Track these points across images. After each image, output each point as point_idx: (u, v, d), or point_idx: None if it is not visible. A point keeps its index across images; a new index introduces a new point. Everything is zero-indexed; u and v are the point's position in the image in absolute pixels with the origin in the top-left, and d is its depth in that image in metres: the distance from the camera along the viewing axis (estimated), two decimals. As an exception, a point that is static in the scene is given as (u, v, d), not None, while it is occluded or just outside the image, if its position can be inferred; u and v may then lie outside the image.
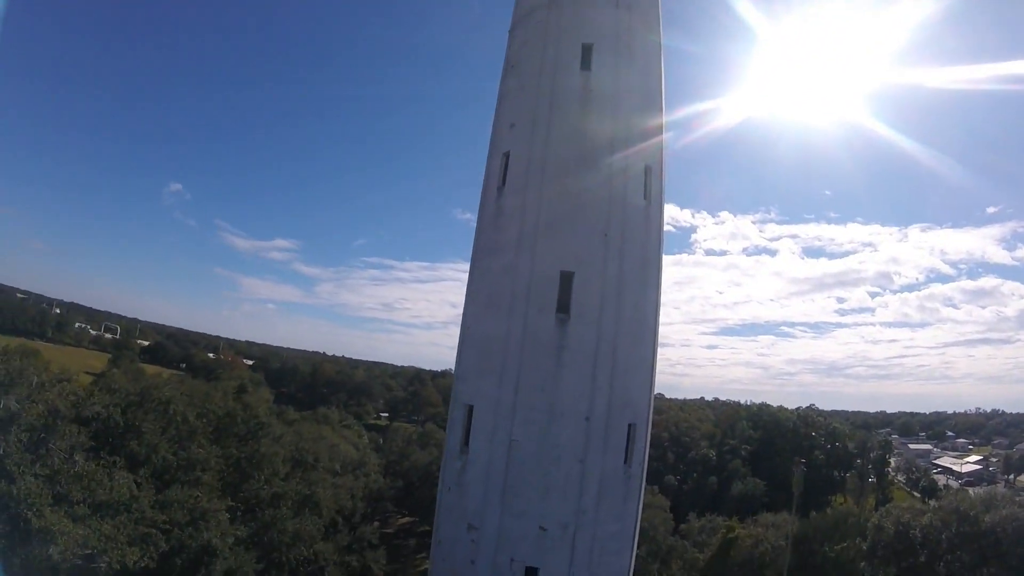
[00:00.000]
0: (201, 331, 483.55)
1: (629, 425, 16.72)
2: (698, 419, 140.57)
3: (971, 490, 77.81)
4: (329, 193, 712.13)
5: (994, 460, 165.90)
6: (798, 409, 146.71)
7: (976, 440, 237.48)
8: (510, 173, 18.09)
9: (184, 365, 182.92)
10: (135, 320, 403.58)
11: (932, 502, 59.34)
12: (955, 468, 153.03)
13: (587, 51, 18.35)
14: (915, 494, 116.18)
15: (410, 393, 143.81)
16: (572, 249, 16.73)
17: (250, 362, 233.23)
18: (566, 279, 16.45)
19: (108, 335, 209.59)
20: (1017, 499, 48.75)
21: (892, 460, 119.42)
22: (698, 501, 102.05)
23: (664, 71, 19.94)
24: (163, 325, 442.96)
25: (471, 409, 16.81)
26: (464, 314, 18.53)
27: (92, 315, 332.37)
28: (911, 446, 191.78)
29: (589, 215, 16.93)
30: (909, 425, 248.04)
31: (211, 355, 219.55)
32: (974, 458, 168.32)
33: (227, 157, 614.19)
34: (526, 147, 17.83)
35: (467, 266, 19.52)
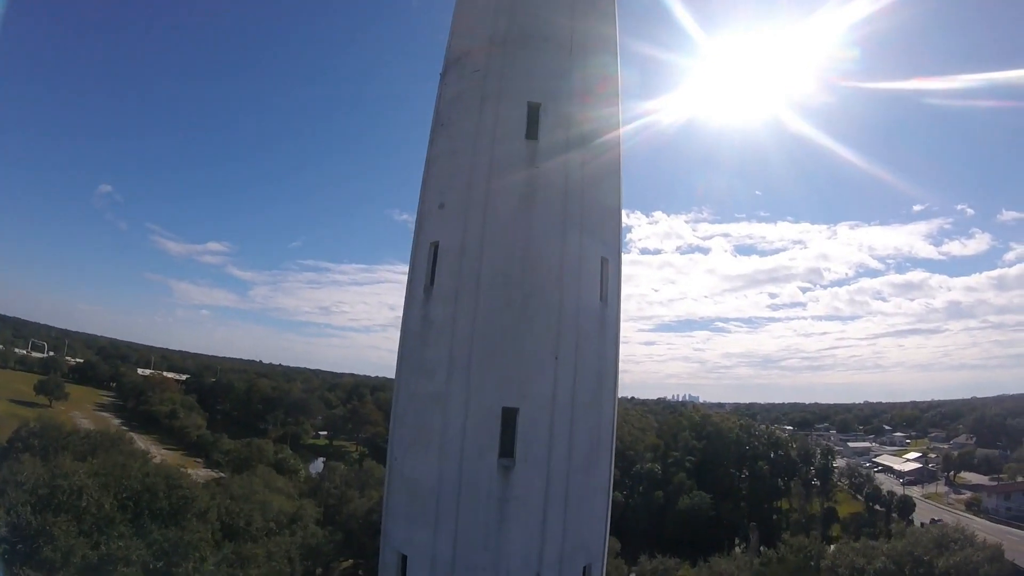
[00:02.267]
0: (134, 340, 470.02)
1: (584, 567, 14.27)
2: (641, 428, 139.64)
3: (923, 525, 77.74)
4: (263, 194, 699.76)
5: (932, 456, 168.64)
6: (740, 418, 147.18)
7: (913, 433, 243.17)
8: (439, 271, 14.77)
9: (115, 384, 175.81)
10: (65, 332, 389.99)
11: (884, 543, 57.86)
12: (895, 467, 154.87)
13: (533, 113, 15.05)
14: (859, 497, 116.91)
15: (349, 411, 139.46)
16: (517, 378, 13.65)
17: (183, 377, 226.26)
18: (509, 416, 13.38)
19: (36, 353, 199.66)
20: (970, 538, 47.93)
21: (835, 466, 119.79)
22: (645, 516, 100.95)
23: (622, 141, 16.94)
24: (94, 336, 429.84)
25: (404, 559, 13.93)
26: (390, 441, 15.30)
27: (19, 327, 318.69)
28: (851, 444, 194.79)
29: (536, 330, 13.80)
30: (847, 422, 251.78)
31: (142, 371, 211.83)
32: (913, 454, 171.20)
33: (158, 157, 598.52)
34: (458, 237, 14.47)
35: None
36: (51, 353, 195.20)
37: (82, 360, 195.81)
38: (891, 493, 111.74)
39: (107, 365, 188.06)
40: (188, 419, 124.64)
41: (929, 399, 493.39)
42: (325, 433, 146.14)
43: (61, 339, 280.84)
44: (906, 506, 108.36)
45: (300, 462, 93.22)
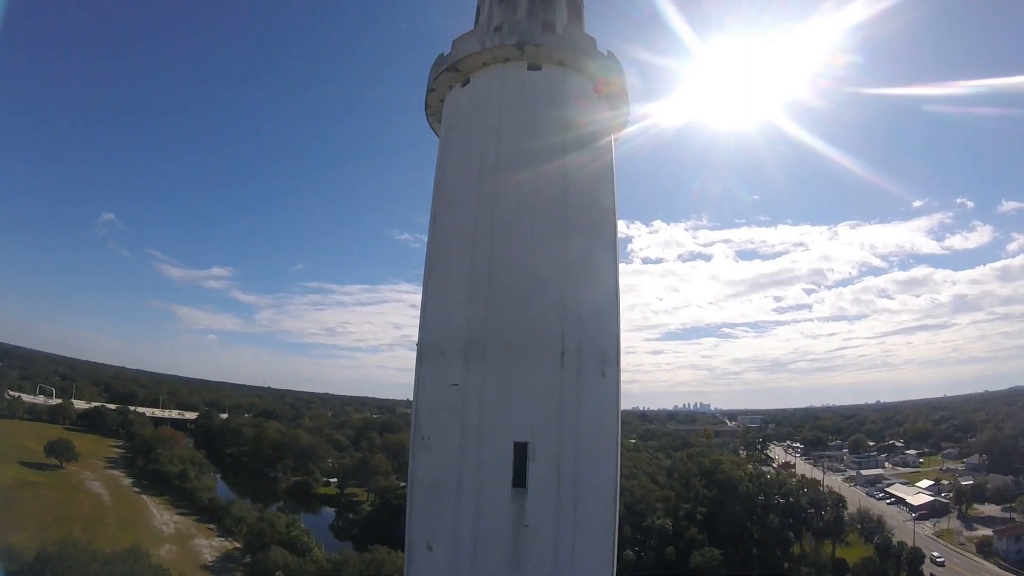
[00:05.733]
0: (141, 368, 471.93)
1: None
2: (652, 472, 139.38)
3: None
4: (263, 218, 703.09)
5: (945, 483, 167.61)
6: (751, 465, 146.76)
7: (926, 449, 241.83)
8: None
9: (123, 431, 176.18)
10: (71, 361, 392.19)
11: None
12: (908, 499, 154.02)
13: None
14: (872, 543, 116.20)
15: (358, 460, 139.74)
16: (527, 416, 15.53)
17: (192, 417, 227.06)
18: (521, 449, 15.22)
19: (43, 399, 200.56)
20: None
21: (846, 513, 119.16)
22: (657, 574, 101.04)
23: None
24: (101, 365, 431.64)
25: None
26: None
27: (25, 360, 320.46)
28: (863, 472, 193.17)
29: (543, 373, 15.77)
30: (859, 441, 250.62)
31: (151, 412, 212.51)
32: (925, 483, 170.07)
33: (158, 184, 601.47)
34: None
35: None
36: (59, 401, 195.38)
37: (90, 406, 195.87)
38: (902, 544, 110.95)
39: (115, 413, 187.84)
40: (199, 480, 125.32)
41: (941, 395, 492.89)
42: (335, 480, 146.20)
43: (68, 375, 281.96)
44: (916, 558, 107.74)
45: (312, 538, 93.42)
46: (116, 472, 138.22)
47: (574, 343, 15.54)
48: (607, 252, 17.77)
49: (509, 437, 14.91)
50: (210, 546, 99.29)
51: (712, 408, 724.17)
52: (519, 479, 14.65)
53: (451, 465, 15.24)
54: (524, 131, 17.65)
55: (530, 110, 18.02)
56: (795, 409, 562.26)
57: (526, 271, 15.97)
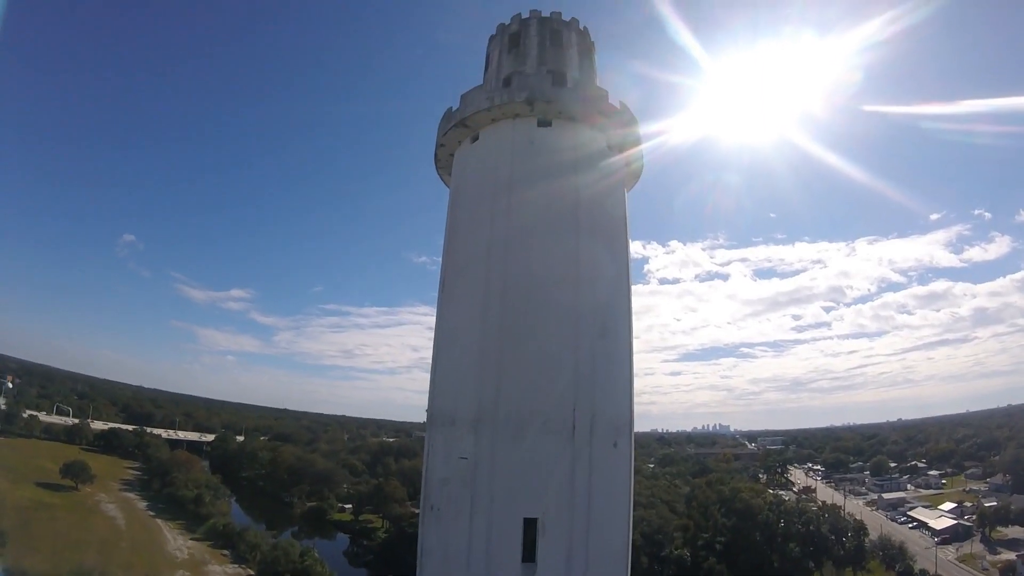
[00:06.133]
0: (160, 388, 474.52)
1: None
2: (670, 500, 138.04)
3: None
4: (282, 240, 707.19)
5: (968, 505, 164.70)
6: (771, 491, 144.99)
7: (948, 470, 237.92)
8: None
9: (139, 452, 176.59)
10: (91, 380, 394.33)
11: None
12: (930, 523, 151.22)
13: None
14: (894, 571, 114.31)
15: (374, 487, 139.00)
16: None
17: (209, 439, 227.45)
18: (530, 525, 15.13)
19: (60, 419, 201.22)
20: None
21: (867, 541, 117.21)
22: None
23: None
24: (122, 384, 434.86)
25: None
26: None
27: (46, 378, 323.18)
28: (885, 496, 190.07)
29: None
30: (880, 464, 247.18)
31: (167, 434, 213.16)
32: (948, 506, 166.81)
33: (178, 205, 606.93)
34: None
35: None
36: (76, 421, 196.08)
37: (107, 427, 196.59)
38: (923, 572, 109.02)
39: (132, 434, 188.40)
40: (214, 506, 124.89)
41: (964, 410, 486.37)
42: (350, 507, 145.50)
43: (86, 394, 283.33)
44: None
45: (325, 568, 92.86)
46: (131, 495, 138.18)
47: (586, 417, 15.20)
48: (622, 323, 17.36)
49: (519, 512, 14.77)
50: (224, 572, 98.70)
51: (732, 429, 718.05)
52: (529, 554, 14.53)
53: (461, 537, 15.13)
54: (535, 192, 17.29)
55: (541, 170, 17.64)
56: (816, 429, 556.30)
57: (539, 344, 15.65)
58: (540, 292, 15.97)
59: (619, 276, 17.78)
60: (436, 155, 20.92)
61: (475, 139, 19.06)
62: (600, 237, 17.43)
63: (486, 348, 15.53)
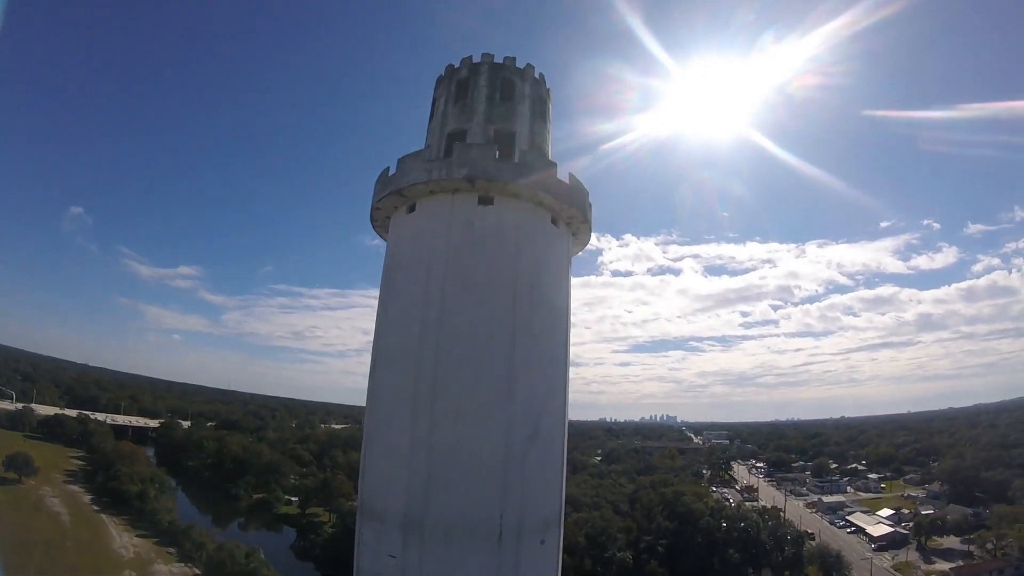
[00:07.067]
0: (104, 367, 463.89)
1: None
2: (614, 501, 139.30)
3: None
4: (233, 218, 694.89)
5: (905, 512, 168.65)
6: (713, 491, 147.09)
7: (888, 474, 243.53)
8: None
9: (82, 441, 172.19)
10: (34, 357, 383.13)
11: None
12: (868, 529, 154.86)
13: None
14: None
15: (320, 482, 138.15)
16: None
17: (155, 424, 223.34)
18: None
19: (3, 404, 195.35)
20: None
21: (807, 547, 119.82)
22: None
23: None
24: (66, 362, 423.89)
25: None
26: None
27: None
28: (825, 499, 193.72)
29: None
30: (822, 465, 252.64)
31: (112, 419, 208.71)
32: (886, 512, 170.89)
33: (127, 179, 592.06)
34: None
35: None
36: (19, 406, 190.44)
37: (51, 413, 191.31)
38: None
39: (76, 422, 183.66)
40: (159, 501, 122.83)
41: (905, 411, 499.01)
42: (297, 500, 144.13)
43: (30, 376, 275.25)
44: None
45: (271, 571, 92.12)
46: (75, 487, 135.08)
47: (514, 519, 14.98)
48: (556, 420, 17.04)
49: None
50: (170, 572, 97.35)
51: (679, 420, 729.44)
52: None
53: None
54: (472, 272, 16.82)
55: (479, 250, 17.13)
56: (760, 423, 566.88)
57: (469, 450, 15.27)
58: (473, 395, 15.64)
59: (555, 363, 17.51)
60: (372, 216, 20.31)
61: (411, 209, 18.47)
62: (539, 320, 17.12)
63: (416, 451, 15.21)
